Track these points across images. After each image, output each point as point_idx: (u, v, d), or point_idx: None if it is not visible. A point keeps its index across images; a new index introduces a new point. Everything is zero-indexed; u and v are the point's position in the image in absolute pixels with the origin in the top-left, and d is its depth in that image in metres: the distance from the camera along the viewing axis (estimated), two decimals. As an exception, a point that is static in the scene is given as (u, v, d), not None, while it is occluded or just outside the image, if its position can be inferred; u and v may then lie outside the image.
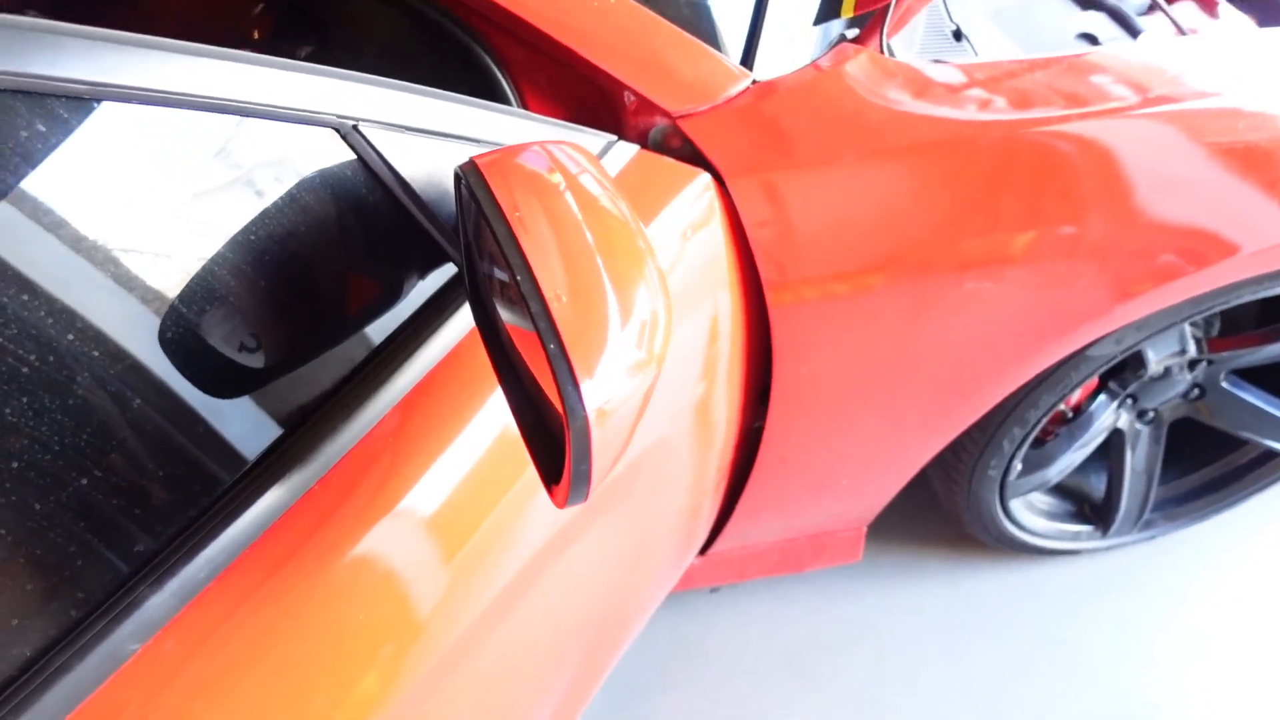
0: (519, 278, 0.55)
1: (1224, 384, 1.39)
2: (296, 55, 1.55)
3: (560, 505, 0.59)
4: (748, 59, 1.03)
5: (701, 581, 1.46)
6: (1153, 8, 1.26)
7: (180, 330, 0.63)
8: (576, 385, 0.53)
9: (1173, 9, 1.35)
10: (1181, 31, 1.23)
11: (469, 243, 0.70)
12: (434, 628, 0.72)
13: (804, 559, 1.49)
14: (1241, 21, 1.33)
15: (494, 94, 0.95)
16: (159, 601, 0.58)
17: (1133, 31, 1.26)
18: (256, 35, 1.76)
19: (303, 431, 0.67)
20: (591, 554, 0.94)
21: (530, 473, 0.77)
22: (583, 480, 0.56)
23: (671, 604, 1.57)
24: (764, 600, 1.61)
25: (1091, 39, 1.24)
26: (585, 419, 0.53)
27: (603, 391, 0.55)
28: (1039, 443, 1.43)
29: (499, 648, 0.81)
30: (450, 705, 0.76)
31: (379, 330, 0.75)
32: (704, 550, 1.36)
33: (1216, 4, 1.33)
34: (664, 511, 1.10)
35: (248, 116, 0.63)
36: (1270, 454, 1.50)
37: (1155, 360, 1.30)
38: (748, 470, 1.20)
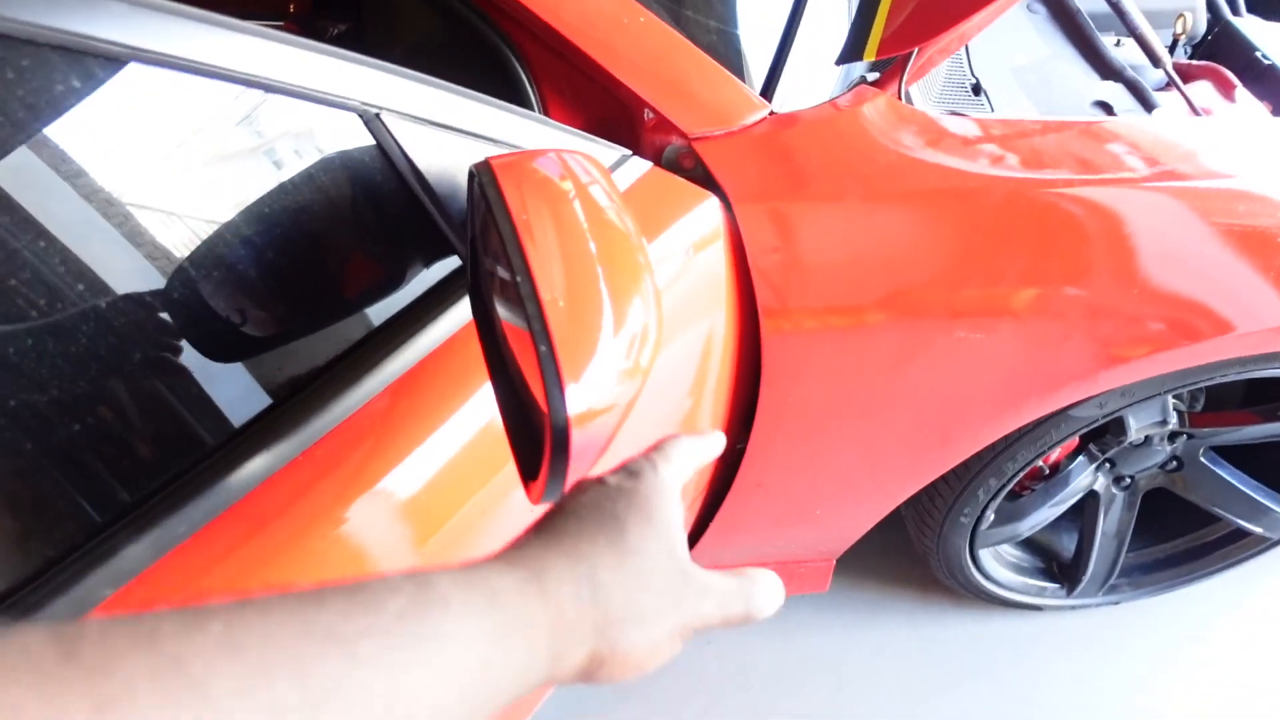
0: (518, 279, 0.57)
1: (1202, 459, 1.41)
2: (328, 32, 1.58)
3: (535, 501, 0.61)
4: (768, 90, 1.05)
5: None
6: (1169, 85, 1.29)
7: (183, 291, 0.64)
8: (562, 388, 0.55)
9: (1190, 87, 1.37)
10: (1195, 111, 1.25)
11: (475, 238, 0.71)
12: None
13: (772, 585, 1.50)
14: (1257, 108, 1.35)
15: (517, 96, 0.97)
16: (136, 551, 0.59)
17: (1148, 106, 1.28)
18: (293, 8, 1.79)
19: (291, 404, 0.68)
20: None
21: (509, 467, 0.78)
22: (559, 479, 0.58)
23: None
24: (727, 622, 1.62)
25: (1107, 108, 1.27)
26: (566, 420, 0.55)
27: (587, 397, 0.56)
28: (1014, 496, 1.45)
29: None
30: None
31: (378, 313, 0.76)
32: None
33: (1235, 87, 1.36)
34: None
35: (274, 93, 0.65)
36: (1240, 533, 1.52)
37: (1136, 428, 1.32)
38: (724, 491, 1.22)
